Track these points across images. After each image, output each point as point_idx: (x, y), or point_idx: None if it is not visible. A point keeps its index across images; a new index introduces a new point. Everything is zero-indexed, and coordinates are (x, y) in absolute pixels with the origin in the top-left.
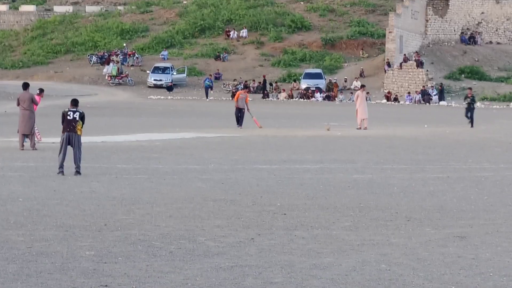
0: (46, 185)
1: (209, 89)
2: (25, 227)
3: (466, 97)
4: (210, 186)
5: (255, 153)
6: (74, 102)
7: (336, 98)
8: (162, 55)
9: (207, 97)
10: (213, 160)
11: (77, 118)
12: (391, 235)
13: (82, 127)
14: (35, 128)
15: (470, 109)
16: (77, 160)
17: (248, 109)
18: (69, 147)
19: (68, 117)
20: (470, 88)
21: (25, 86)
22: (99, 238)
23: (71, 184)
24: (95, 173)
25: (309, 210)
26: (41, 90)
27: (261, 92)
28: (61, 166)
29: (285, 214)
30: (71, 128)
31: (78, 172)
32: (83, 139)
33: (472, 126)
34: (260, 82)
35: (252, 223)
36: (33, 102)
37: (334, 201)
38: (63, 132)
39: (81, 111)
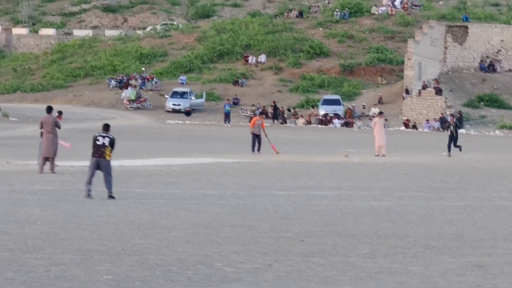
0: (64, 208)
1: (228, 115)
2: (43, 251)
3: (448, 125)
4: (227, 211)
5: (272, 179)
6: (106, 127)
7: (354, 125)
8: (180, 79)
9: (225, 122)
10: (230, 185)
11: (106, 144)
12: (409, 263)
13: (111, 152)
14: (60, 141)
15: (453, 138)
16: (108, 184)
17: (265, 135)
18: (98, 171)
19: (97, 142)
20: (452, 115)
21: (49, 109)
22: (117, 263)
23: (89, 208)
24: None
25: (326, 237)
26: (60, 113)
27: (272, 118)
28: (89, 190)
29: (302, 240)
30: (99, 153)
31: (111, 197)
32: None
33: (460, 150)
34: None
35: (269, 249)
36: (56, 125)
37: (351, 228)
38: (92, 156)
39: (111, 137)
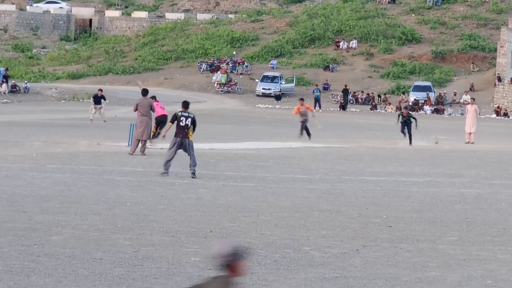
0: (154, 190)
1: (318, 101)
2: (132, 232)
3: (401, 115)
4: (316, 196)
5: (362, 165)
6: (185, 105)
7: (444, 112)
8: (271, 64)
9: (314, 107)
10: (319, 170)
11: (189, 125)
12: (498, 251)
13: (193, 132)
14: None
15: (406, 124)
16: (193, 162)
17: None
18: (179, 151)
19: (181, 123)
20: (406, 108)
21: (145, 92)
22: (205, 245)
23: (178, 190)
24: (202, 179)
25: (415, 223)
26: (153, 98)
27: (340, 103)
28: (167, 168)
29: (390, 226)
30: (183, 134)
31: (193, 174)
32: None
33: (410, 143)
34: (367, 94)
35: (357, 235)
36: (151, 109)
37: (440, 215)
38: (175, 136)
39: (192, 116)
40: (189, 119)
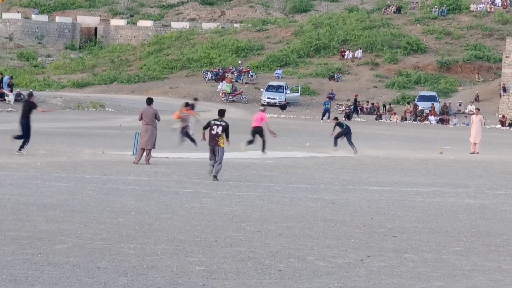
0: (158, 199)
1: (327, 112)
2: (137, 241)
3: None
4: (321, 205)
5: (366, 174)
6: (221, 113)
7: (449, 122)
8: (276, 73)
9: (322, 118)
10: (324, 180)
11: (220, 132)
12: (503, 261)
13: (227, 139)
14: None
15: (345, 135)
16: (216, 169)
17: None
18: None
19: (212, 132)
20: (335, 118)
21: (149, 101)
22: (209, 254)
23: (182, 199)
24: (207, 189)
25: (419, 233)
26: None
27: (348, 113)
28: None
29: (395, 236)
30: (214, 142)
31: (215, 178)
32: (197, 154)
33: (355, 152)
34: (372, 103)
35: (362, 244)
36: (156, 118)
37: (445, 225)
38: (208, 144)
39: (224, 124)
40: (220, 127)
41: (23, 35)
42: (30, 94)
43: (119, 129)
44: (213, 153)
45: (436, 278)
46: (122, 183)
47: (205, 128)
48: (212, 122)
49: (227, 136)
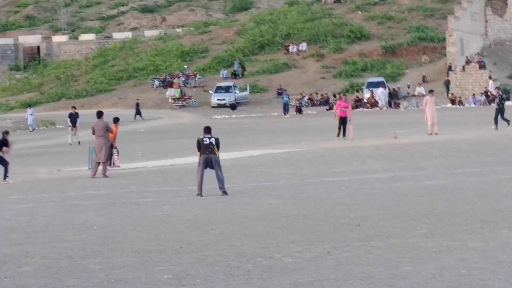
0: (119, 212)
1: (288, 105)
2: (102, 255)
3: (494, 98)
4: (282, 202)
5: (324, 166)
6: (207, 130)
7: (400, 106)
8: (222, 74)
9: (284, 113)
10: (282, 176)
11: (213, 143)
12: (468, 239)
13: (218, 151)
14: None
15: (500, 111)
16: (220, 180)
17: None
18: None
19: (205, 142)
20: (498, 88)
21: (99, 114)
22: (176, 261)
23: (143, 209)
24: (167, 196)
25: (383, 219)
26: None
27: (296, 107)
28: (200, 189)
29: (359, 225)
30: (209, 150)
31: (224, 193)
32: (153, 163)
33: (508, 124)
34: (321, 95)
35: (327, 237)
36: (107, 130)
37: (407, 209)
38: (200, 155)
39: (215, 137)
40: (213, 139)
41: None
42: (7, 132)
43: (73, 145)
44: (205, 164)
45: (404, 263)
46: (81, 199)
47: (198, 147)
48: (202, 137)
49: (218, 149)
